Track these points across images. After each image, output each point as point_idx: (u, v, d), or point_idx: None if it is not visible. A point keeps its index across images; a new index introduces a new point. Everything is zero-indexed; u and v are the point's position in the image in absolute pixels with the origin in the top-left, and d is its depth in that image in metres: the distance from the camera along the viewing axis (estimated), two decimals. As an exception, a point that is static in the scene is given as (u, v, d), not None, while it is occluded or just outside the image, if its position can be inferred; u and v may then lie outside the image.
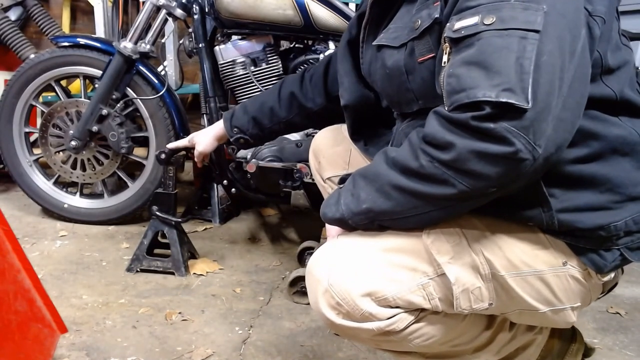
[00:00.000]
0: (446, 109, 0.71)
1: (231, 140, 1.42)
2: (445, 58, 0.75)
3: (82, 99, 2.05)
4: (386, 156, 0.80)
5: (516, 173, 0.69)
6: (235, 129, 1.39)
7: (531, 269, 0.84)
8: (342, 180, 0.91)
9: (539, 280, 0.84)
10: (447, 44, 0.74)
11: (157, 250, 1.78)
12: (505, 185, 0.71)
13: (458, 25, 0.72)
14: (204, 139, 1.49)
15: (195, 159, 1.54)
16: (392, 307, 0.82)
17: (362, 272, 0.82)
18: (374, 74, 1.00)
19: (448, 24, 0.74)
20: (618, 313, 1.63)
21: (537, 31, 0.67)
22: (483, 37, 0.69)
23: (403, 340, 0.85)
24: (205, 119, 2.02)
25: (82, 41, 2.01)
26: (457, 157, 0.69)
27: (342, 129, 1.28)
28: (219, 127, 1.45)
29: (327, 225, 0.93)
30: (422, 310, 0.84)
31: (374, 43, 0.96)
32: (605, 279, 0.86)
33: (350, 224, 0.84)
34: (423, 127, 0.86)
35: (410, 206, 0.77)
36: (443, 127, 0.70)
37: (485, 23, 0.69)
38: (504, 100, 0.65)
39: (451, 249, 0.82)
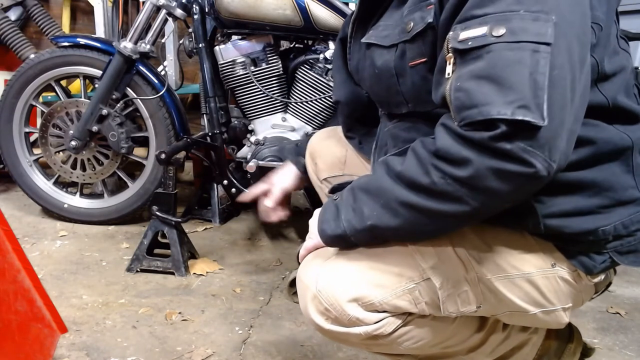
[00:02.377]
0: (456, 124, 0.68)
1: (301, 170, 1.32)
2: (449, 69, 0.71)
3: (82, 99, 2.05)
4: (388, 168, 0.77)
5: (532, 189, 0.69)
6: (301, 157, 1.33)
7: (519, 271, 0.83)
8: (333, 190, 0.89)
9: (527, 282, 0.84)
10: (450, 54, 0.71)
11: (157, 250, 1.78)
12: (519, 200, 0.71)
13: (464, 35, 0.69)
14: (285, 178, 1.33)
15: (271, 198, 1.29)
16: (379, 312, 0.82)
17: (349, 278, 0.82)
18: (361, 72, 0.98)
19: (451, 33, 0.71)
20: (618, 313, 1.63)
21: (548, 44, 0.65)
22: (493, 50, 0.66)
23: (392, 343, 0.85)
24: (205, 119, 2.02)
25: (82, 41, 2.01)
26: (474, 174, 0.66)
27: (338, 131, 1.28)
28: (292, 167, 1.33)
29: (311, 226, 0.91)
30: (410, 314, 0.84)
31: (362, 40, 0.94)
32: (596, 280, 0.86)
33: (352, 241, 0.82)
34: (415, 133, 0.83)
35: (419, 223, 0.75)
36: (457, 143, 0.68)
37: (495, 35, 0.66)
38: (519, 118, 0.63)
39: (436, 253, 0.82)
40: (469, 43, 0.68)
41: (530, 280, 0.84)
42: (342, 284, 0.81)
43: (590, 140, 0.78)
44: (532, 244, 0.84)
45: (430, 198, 0.71)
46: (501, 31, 0.66)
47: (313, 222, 0.91)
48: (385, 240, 0.82)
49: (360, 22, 0.99)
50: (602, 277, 0.87)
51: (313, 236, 0.89)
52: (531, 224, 0.80)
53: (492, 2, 0.67)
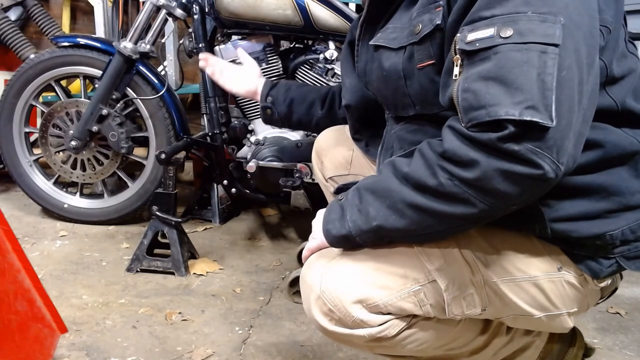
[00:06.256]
0: (463, 125, 0.68)
1: (260, 103, 1.35)
2: (456, 70, 0.71)
3: (82, 99, 2.05)
4: (395, 169, 0.76)
5: (540, 191, 0.69)
6: (270, 98, 1.33)
7: (525, 275, 0.83)
8: (338, 190, 0.89)
9: (534, 286, 0.83)
10: (458, 55, 0.71)
11: (157, 250, 1.78)
12: (526, 202, 0.71)
13: (471, 36, 0.69)
14: (235, 77, 1.41)
15: (208, 70, 1.44)
16: (383, 314, 0.82)
17: (354, 279, 0.81)
18: (369, 74, 0.98)
19: (459, 35, 0.71)
20: (618, 313, 1.63)
21: (556, 45, 0.64)
22: (501, 51, 0.66)
23: (396, 345, 0.85)
24: (205, 119, 2.02)
25: (82, 41, 2.01)
26: (481, 175, 0.67)
27: (345, 130, 1.28)
28: (256, 84, 1.37)
29: (314, 226, 0.90)
30: (414, 316, 0.84)
31: (370, 42, 0.94)
32: (602, 284, 0.86)
33: (358, 242, 0.81)
34: (422, 135, 0.83)
35: (426, 224, 0.75)
36: (464, 144, 0.68)
37: (502, 36, 0.66)
38: (527, 118, 0.63)
39: (442, 255, 0.82)
40: (477, 44, 0.68)
41: (536, 283, 0.83)
42: (347, 285, 0.81)
43: (599, 143, 0.77)
44: (539, 248, 0.83)
45: (437, 200, 0.71)
46: (508, 32, 0.66)
47: (316, 223, 0.90)
48: (391, 241, 0.81)
49: (368, 25, 0.99)
50: (609, 281, 0.86)
51: (317, 236, 0.89)
52: (538, 227, 0.80)
53: (500, 4, 0.67)
